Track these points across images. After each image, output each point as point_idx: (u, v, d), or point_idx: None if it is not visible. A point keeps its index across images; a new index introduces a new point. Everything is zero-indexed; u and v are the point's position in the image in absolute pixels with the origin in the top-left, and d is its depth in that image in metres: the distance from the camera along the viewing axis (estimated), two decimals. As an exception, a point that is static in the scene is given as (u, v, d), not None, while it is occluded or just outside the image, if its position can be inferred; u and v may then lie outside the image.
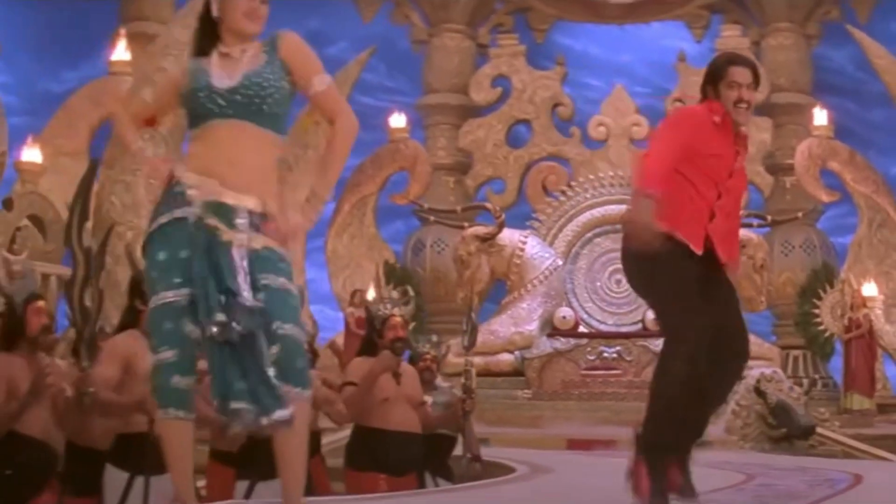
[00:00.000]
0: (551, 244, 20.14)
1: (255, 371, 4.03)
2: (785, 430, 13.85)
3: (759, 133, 22.42)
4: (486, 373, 16.85)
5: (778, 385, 13.89)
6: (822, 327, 20.13)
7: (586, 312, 19.81)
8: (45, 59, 26.39)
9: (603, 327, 19.57)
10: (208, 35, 4.46)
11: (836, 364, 19.95)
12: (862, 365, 18.33)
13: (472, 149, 23.72)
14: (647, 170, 5.42)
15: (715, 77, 5.86)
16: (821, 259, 22.07)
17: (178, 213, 4.20)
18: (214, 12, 4.39)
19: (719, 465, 8.34)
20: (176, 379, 4.13)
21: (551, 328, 18.00)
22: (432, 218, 20.88)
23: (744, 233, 18.27)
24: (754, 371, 13.81)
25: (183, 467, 4.31)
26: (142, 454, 6.53)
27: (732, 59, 6.00)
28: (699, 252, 5.54)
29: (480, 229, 19.27)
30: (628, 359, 17.79)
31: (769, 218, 20.44)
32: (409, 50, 25.39)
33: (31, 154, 16.74)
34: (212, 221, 4.15)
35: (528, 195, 23.21)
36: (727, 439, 13.02)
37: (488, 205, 19.99)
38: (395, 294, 8.93)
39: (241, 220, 4.15)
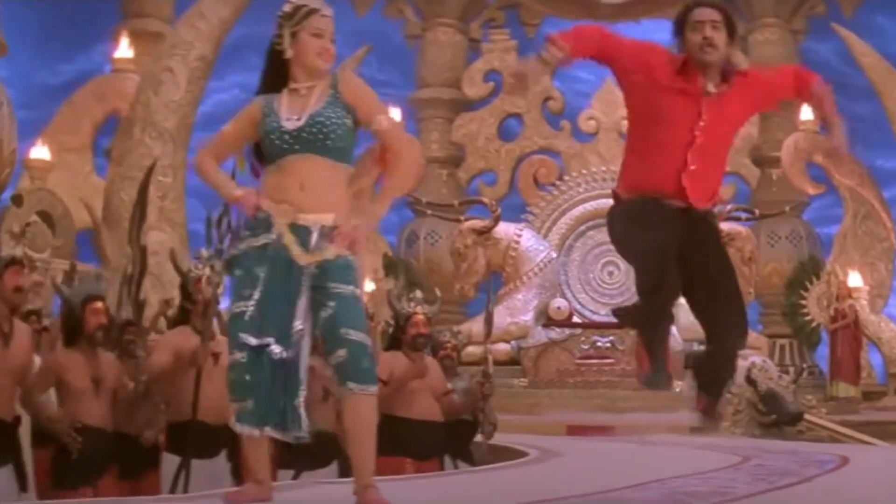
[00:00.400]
0: (545, 237, 20.71)
1: (288, 393, 4.69)
2: (774, 417, 14.26)
3: (747, 126, 22.45)
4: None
5: (768, 374, 14.33)
6: (808, 318, 20.51)
7: (580, 303, 20.44)
8: (43, 53, 26.74)
9: (596, 317, 20.08)
10: (277, 73, 4.95)
11: (823, 352, 20.36)
12: (847, 354, 18.78)
13: (464, 142, 24.29)
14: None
15: (680, 24, 5.52)
16: (807, 250, 22.60)
17: (263, 238, 4.77)
18: (288, 54, 4.87)
19: (715, 449, 9.04)
20: (246, 377, 4.71)
21: (546, 319, 18.53)
22: (429, 211, 21.39)
23: (732, 226, 18.96)
24: (745, 361, 14.39)
25: (253, 453, 4.85)
26: (187, 441, 7.26)
27: (696, 2, 5.63)
28: (673, 201, 5.34)
29: (477, 223, 19.79)
30: (621, 348, 18.27)
31: (757, 212, 20.90)
32: (400, 44, 25.85)
33: (40, 152, 17.20)
34: (289, 243, 4.72)
35: (519, 188, 23.79)
36: (719, 425, 13.40)
37: (485, 199, 20.61)
38: (419, 294, 9.47)
39: (314, 237, 4.73)
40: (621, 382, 17.36)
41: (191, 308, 7.38)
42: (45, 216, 16.29)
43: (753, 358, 15.06)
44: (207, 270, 7.59)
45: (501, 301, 19.39)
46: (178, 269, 8.13)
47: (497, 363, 17.75)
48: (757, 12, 24.55)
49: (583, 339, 18.36)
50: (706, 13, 5.43)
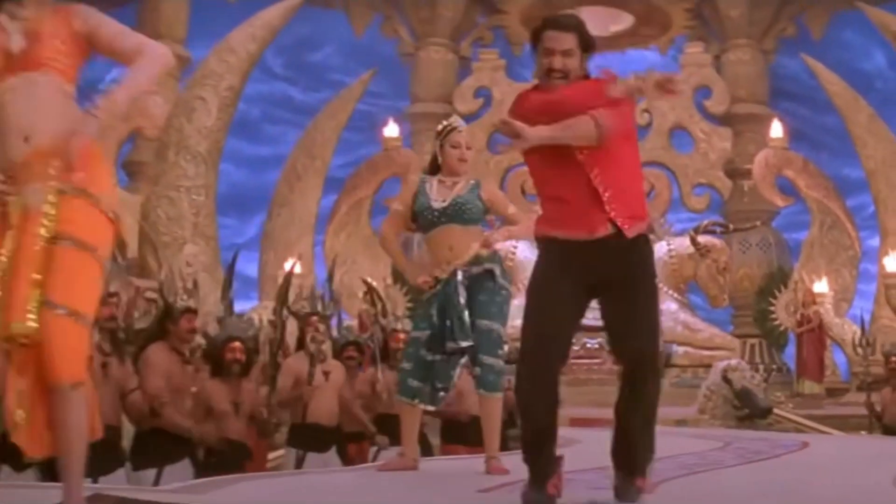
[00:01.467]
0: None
1: (448, 376, 6.96)
2: (747, 411, 15.69)
3: (721, 141, 24.78)
4: (483, 362, 19.11)
5: (741, 374, 15.65)
6: (777, 322, 21.80)
7: None
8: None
9: (585, 321, 21.84)
10: (434, 165, 7.20)
11: (790, 352, 21.63)
12: (812, 355, 20.06)
13: None
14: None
15: (535, 41, 5.36)
16: (776, 256, 24.13)
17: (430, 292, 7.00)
18: (439, 160, 7.13)
19: (702, 437, 11.26)
20: (410, 381, 6.94)
21: None
22: None
23: (708, 238, 20.77)
24: (722, 363, 16.06)
25: (410, 434, 7.06)
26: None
27: (548, 22, 5.37)
28: (589, 237, 5.15)
29: None
30: (608, 349, 19.83)
31: (731, 227, 22.15)
32: (391, 57, 27.36)
33: None
34: (449, 290, 6.85)
35: (507, 197, 25.24)
36: (700, 418, 15.25)
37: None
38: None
39: (462, 279, 6.86)
40: (610, 379, 18.93)
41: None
42: None
43: (728, 360, 16.69)
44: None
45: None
46: (294, 313, 10.63)
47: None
48: (729, 33, 26.11)
49: (573, 340, 19.89)
50: (557, 40, 5.22)
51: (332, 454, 10.17)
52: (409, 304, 20.41)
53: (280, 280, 17.31)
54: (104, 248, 4.28)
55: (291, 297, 13.32)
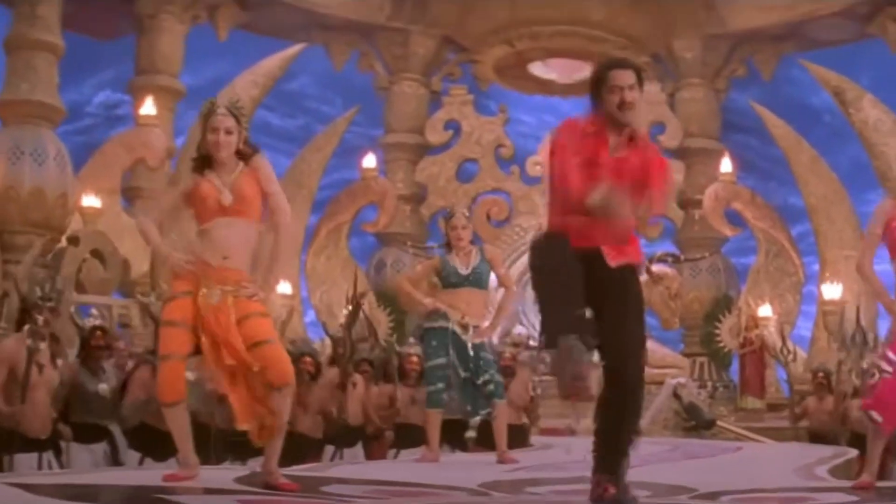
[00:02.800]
0: (505, 274, 24.61)
1: (480, 395, 9.59)
2: (694, 423, 18.04)
3: (674, 174, 25.89)
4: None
5: (689, 390, 18.07)
6: (721, 344, 24.10)
7: (535, 329, 24.28)
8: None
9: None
10: (448, 245, 9.95)
11: (735, 368, 23.51)
12: (754, 374, 22.19)
13: (426, 182, 27.75)
14: (574, 190, 5.78)
15: (598, 83, 6.06)
16: (724, 280, 26.18)
17: (442, 322, 9.64)
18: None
19: (654, 443, 13.93)
20: (443, 396, 9.63)
21: (514, 342, 21.28)
22: (411, 251, 25.52)
23: (661, 267, 22.87)
24: (672, 380, 18.20)
25: (435, 434, 9.72)
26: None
27: (612, 64, 6.20)
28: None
29: None
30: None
31: (682, 258, 24.67)
32: (363, 87, 29.31)
33: (91, 200, 20.42)
34: (459, 330, 9.58)
35: (474, 224, 27.13)
36: (653, 428, 17.40)
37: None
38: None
39: (472, 330, 9.58)
40: (573, 394, 21.16)
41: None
42: (98, 254, 19.49)
43: (678, 378, 18.84)
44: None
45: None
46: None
47: None
48: (683, 72, 28.09)
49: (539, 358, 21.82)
50: (626, 77, 6.00)
51: (358, 448, 12.97)
52: (391, 325, 22.74)
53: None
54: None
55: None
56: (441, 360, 9.70)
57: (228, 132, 6.74)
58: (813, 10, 26.52)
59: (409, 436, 12.91)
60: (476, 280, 9.83)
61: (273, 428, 6.52)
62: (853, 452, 12.66)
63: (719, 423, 18.89)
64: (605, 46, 24.90)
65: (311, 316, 25.69)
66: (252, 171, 6.76)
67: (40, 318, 10.47)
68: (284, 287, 21.43)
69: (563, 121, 6.25)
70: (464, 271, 9.82)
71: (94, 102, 36.64)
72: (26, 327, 10.57)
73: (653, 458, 9.72)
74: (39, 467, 10.13)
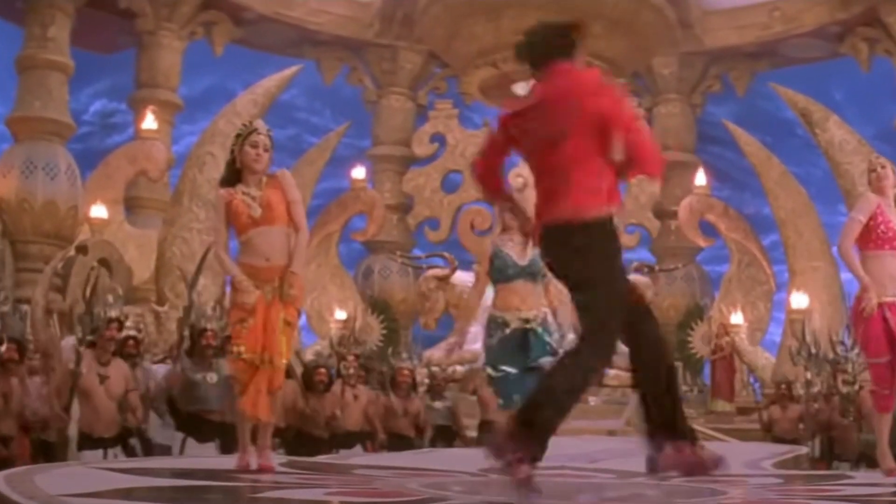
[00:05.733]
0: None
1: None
2: None
3: (650, 186, 27.45)
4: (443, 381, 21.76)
5: None
6: (693, 351, 25.31)
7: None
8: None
9: None
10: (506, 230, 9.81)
11: (707, 373, 24.64)
12: (724, 379, 23.33)
13: (413, 192, 28.87)
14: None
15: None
16: (698, 288, 27.50)
17: (507, 331, 9.65)
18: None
19: (628, 442, 15.34)
20: (515, 396, 9.30)
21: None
22: (400, 261, 26.81)
23: (636, 276, 23.35)
24: None
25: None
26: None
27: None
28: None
29: (438, 272, 25.01)
30: None
31: (656, 268, 25.98)
32: (351, 99, 30.84)
33: (99, 210, 21.86)
34: (520, 326, 9.59)
35: (458, 232, 28.20)
36: (627, 429, 18.30)
37: (446, 254, 25.63)
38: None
39: (535, 322, 9.63)
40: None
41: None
42: (105, 263, 20.65)
43: None
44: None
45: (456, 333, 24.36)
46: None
47: (454, 381, 21.29)
48: (661, 88, 29.64)
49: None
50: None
51: (357, 449, 14.86)
52: (384, 332, 24.31)
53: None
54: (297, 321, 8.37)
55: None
56: (507, 370, 9.67)
57: (266, 149, 7.99)
58: (786, 30, 28.10)
59: (397, 445, 14.93)
60: (531, 271, 9.71)
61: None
62: (804, 450, 14.22)
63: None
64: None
65: (302, 320, 26.92)
66: (276, 183, 8.01)
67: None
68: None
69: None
70: (521, 262, 9.73)
71: (91, 111, 37.84)
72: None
73: (622, 453, 10.74)
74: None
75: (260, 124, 8.21)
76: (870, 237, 8.89)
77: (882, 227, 8.87)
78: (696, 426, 19.10)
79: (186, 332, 14.54)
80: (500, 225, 10.27)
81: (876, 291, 8.67)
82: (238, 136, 8.11)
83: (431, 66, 30.23)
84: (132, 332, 14.26)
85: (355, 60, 30.01)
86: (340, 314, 24.32)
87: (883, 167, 9.25)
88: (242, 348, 7.86)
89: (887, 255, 8.82)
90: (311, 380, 14.61)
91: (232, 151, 8.13)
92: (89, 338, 13.11)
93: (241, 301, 7.87)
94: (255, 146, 8.00)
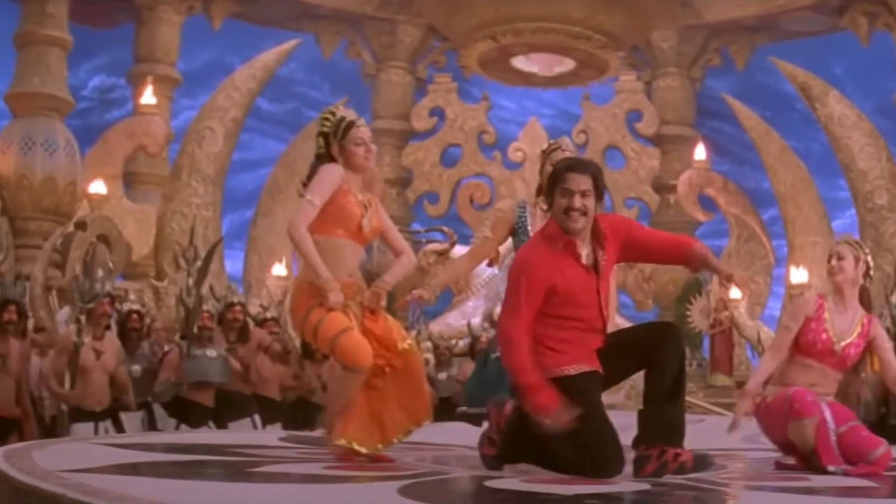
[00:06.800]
0: (488, 256, 25.82)
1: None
2: None
3: (650, 160, 28.45)
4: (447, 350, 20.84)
5: None
6: (692, 325, 24.37)
7: None
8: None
9: None
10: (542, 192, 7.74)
11: (706, 347, 24.25)
12: (723, 353, 23.17)
13: (412, 167, 29.13)
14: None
15: (553, 182, 5.81)
16: None
17: None
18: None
19: (628, 416, 15.67)
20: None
21: (491, 321, 21.88)
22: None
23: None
24: None
25: None
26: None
27: (570, 166, 5.86)
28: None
29: (437, 246, 24.26)
30: None
31: None
32: (349, 73, 30.71)
33: (97, 186, 21.50)
34: None
35: (457, 206, 28.60)
36: (626, 403, 18.09)
37: (445, 228, 24.53)
38: None
39: None
40: (552, 370, 22.29)
41: None
42: (104, 238, 20.32)
43: None
44: None
45: (456, 306, 24.39)
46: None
47: (455, 355, 20.99)
48: (660, 62, 29.62)
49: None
50: (580, 182, 5.73)
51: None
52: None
53: (266, 282, 21.59)
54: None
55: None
56: None
57: (372, 141, 7.14)
58: (786, 3, 27.96)
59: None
60: None
61: None
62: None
63: (688, 398, 20.16)
64: (585, 42, 26.29)
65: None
66: (375, 204, 7.15)
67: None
68: (279, 269, 22.70)
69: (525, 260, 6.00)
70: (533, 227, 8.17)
71: (90, 87, 37.76)
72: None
73: (621, 427, 11.02)
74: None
75: (354, 115, 7.21)
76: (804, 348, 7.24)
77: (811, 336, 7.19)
78: (693, 400, 19.44)
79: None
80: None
81: None
82: (326, 133, 7.09)
83: (430, 40, 30.24)
84: (136, 307, 14.09)
85: (354, 34, 29.94)
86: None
87: (840, 258, 7.41)
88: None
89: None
90: (309, 348, 14.64)
91: (321, 147, 7.14)
92: (88, 305, 13.17)
93: (332, 303, 6.83)
94: (360, 143, 7.09)
